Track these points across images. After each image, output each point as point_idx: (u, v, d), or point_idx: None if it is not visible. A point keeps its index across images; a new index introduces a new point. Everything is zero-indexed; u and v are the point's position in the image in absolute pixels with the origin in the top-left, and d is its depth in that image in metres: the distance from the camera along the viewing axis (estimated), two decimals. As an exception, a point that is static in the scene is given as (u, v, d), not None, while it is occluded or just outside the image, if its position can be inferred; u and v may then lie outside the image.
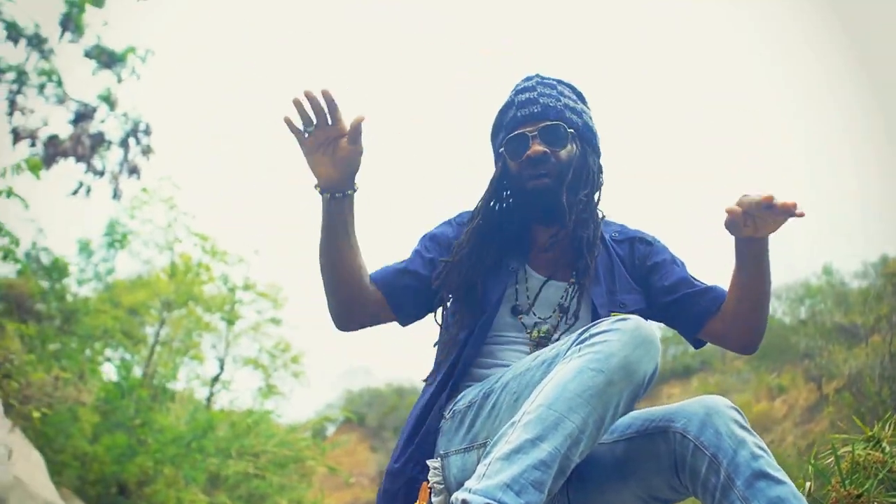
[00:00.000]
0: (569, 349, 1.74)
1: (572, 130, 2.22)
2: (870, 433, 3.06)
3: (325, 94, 1.93)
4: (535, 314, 2.21)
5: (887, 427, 3.02)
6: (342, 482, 34.30)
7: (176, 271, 17.95)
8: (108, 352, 17.18)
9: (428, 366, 2.28)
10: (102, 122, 8.97)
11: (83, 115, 8.40)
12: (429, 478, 1.69)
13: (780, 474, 1.69)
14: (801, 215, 1.81)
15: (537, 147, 2.16)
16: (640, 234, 2.42)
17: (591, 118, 2.33)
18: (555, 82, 2.31)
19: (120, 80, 9.30)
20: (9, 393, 6.18)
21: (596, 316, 2.18)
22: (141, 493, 12.46)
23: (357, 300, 2.15)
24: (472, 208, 2.35)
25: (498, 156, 2.30)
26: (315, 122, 1.98)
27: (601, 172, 2.31)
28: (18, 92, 8.42)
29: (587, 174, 2.25)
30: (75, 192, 7.82)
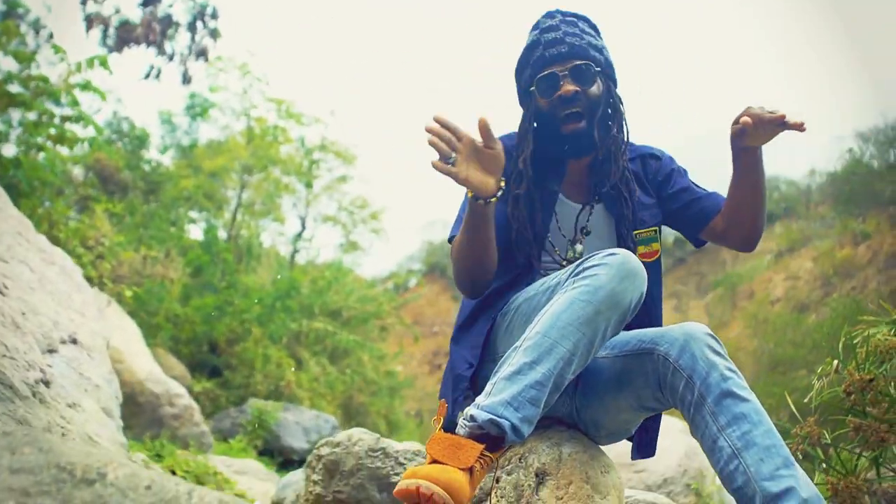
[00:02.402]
0: (565, 280, 1.98)
1: (599, 69, 2.36)
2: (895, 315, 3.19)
3: (440, 121, 2.04)
4: (564, 236, 2.42)
5: (916, 310, 3.14)
6: (425, 332, 35.39)
7: (253, 136, 18.30)
8: (193, 214, 17.84)
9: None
10: (170, 6, 9.11)
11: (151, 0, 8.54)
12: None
13: (745, 392, 1.95)
14: (804, 130, 2.02)
15: (569, 86, 2.30)
16: (649, 150, 2.59)
17: (609, 52, 2.46)
18: (575, 19, 2.41)
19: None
20: (102, 273, 6.62)
21: (620, 236, 2.42)
22: (231, 351, 13.16)
23: (491, 277, 2.32)
24: (509, 132, 2.52)
25: (527, 94, 2.43)
26: (452, 148, 2.06)
27: (622, 103, 2.45)
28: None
29: (614, 108, 2.41)
30: (147, 76, 8.03)
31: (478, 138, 2.07)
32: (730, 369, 1.96)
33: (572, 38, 2.35)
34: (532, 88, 2.38)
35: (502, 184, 2.11)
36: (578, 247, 2.40)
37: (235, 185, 18.41)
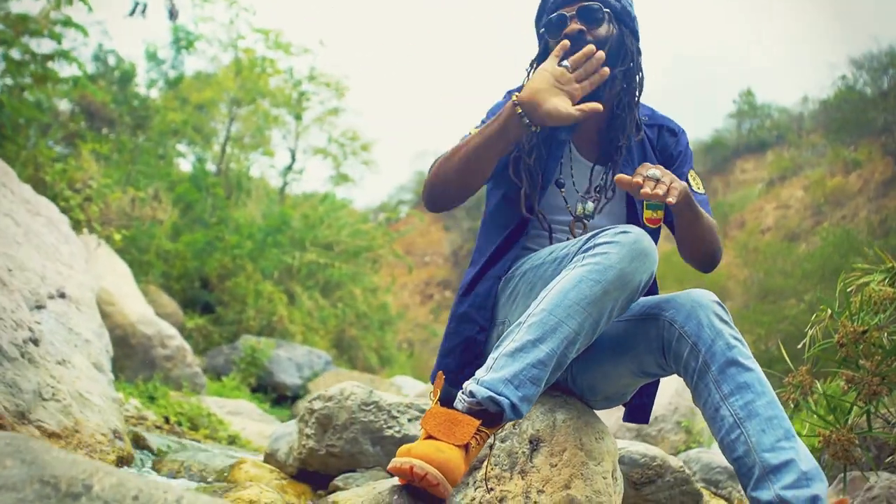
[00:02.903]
0: (575, 254, 1.94)
1: (608, 11, 2.30)
2: (890, 264, 3.16)
3: (590, 53, 2.05)
4: (577, 192, 2.37)
5: (910, 259, 3.12)
6: (417, 262, 35.50)
7: (241, 68, 18.05)
8: (182, 147, 17.70)
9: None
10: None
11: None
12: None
13: (750, 362, 1.91)
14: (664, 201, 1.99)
15: (574, 25, 2.25)
16: (668, 123, 2.53)
17: (630, 3, 2.39)
18: None
19: None
20: (90, 217, 6.56)
21: (629, 198, 2.37)
22: (222, 287, 13.18)
23: (464, 198, 2.27)
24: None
25: (540, 37, 2.41)
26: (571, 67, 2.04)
27: (640, 55, 2.39)
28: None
29: (624, 54, 2.33)
30: (132, 13, 7.82)
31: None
32: (735, 338, 1.94)
33: None
34: (542, 30, 2.37)
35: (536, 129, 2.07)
36: (590, 205, 2.34)
37: (224, 119, 18.24)
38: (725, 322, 1.95)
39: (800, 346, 3.32)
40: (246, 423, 6.43)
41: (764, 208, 36.95)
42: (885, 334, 2.76)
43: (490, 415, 1.75)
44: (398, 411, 2.92)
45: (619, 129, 2.35)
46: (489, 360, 1.83)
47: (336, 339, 15.59)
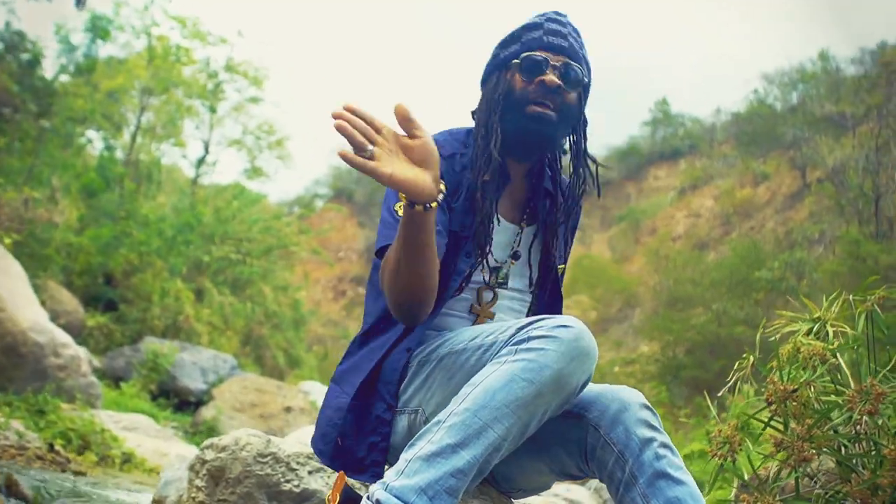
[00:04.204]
0: (504, 345, 1.73)
1: (586, 82, 2.16)
2: (816, 314, 3.07)
3: (351, 109, 1.65)
4: (493, 257, 2.13)
5: (834, 307, 3.02)
6: (331, 257, 35.19)
7: (154, 55, 17.52)
8: (91, 134, 17.11)
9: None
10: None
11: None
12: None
13: (681, 474, 1.77)
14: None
15: (554, 77, 2.06)
16: (575, 195, 2.27)
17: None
18: (578, 33, 2.22)
19: None
20: (-22, 217, 6.15)
21: (546, 265, 2.19)
22: (127, 284, 12.74)
23: (434, 298, 1.94)
24: (458, 125, 2.25)
25: (505, 64, 2.17)
26: (369, 139, 1.66)
27: (587, 126, 2.22)
28: None
29: (583, 125, 2.19)
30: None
31: (399, 130, 1.68)
32: (665, 445, 1.78)
33: (574, 41, 2.16)
34: (516, 61, 2.12)
35: (442, 186, 1.76)
36: (503, 270, 2.14)
37: (135, 107, 17.68)
38: (654, 428, 1.80)
39: (720, 394, 3.22)
40: (142, 440, 6.13)
41: (675, 216, 37.75)
42: (815, 394, 2.67)
43: None
44: (298, 462, 2.69)
45: (551, 194, 2.21)
46: (401, 462, 1.63)
47: (244, 338, 15.26)
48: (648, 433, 1.77)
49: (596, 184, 2.21)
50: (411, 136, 1.69)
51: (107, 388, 8.90)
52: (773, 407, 2.68)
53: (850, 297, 2.84)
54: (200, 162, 19.99)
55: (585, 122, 2.20)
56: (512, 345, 1.69)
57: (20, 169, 10.88)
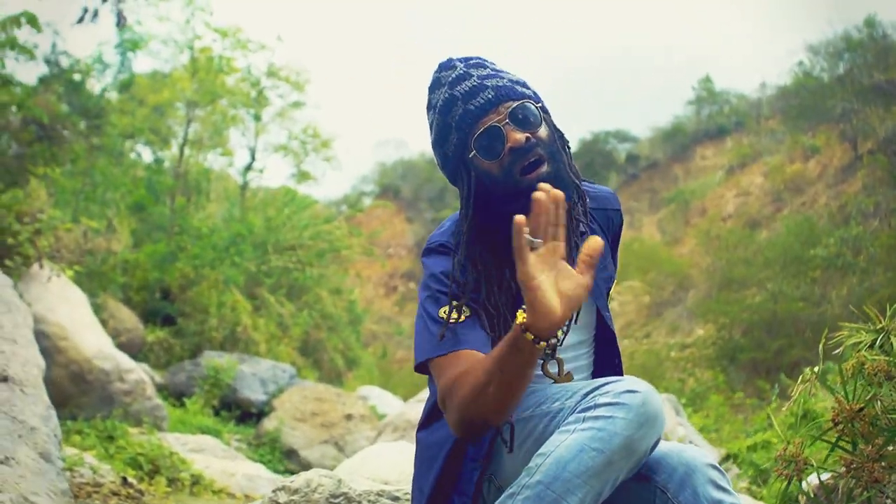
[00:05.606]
0: (572, 411, 1.70)
1: (541, 105, 1.96)
2: (880, 325, 3.01)
3: (555, 199, 1.54)
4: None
5: (896, 317, 2.97)
6: (380, 254, 35.32)
7: (197, 68, 17.72)
8: (140, 148, 17.39)
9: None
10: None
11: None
12: None
13: None
14: None
15: (517, 135, 1.86)
16: (613, 205, 2.20)
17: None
18: (480, 60, 2.00)
19: None
20: (41, 251, 6.27)
21: (592, 309, 2.07)
22: (184, 297, 12.92)
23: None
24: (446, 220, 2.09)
25: (461, 164, 1.96)
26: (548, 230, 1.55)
27: (566, 138, 2.04)
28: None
29: (564, 147, 1.99)
30: (81, 20, 7.55)
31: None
32: None
33: (491, 79, 1.93)
34: (472, 154, 1.91)
35: (560, 334, 1.70)
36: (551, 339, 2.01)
37: (181, 120, 17.90)
38: (723, 489, 1.77)
39: (785, 410, 3.19)
40: (209, 461, 6.24)
41: (724, 195, 37.23)
42: (882, 412, 2.63)
43: None
44: (369, 501, 2.73)
45: (579, 233, 1.99)
46: None
47: (301, 344, 15.41)
48: (718, 495, 1.76)
49: (581, 201, 2.02)
50: (579, 269, 1.57)
51: (171, 406, 9.06)
52: (840, 427, 2.66)
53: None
54: (247, 169, 20.20)
55: (564, 139, 2.02)
56: (579, 412, 1.67)
57: (73, 190, 11.07)
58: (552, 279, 1.55)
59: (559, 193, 1.54)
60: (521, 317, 1.58)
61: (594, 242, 1.55)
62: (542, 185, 1.54)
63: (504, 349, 1.63)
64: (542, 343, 1.57)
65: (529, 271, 1.53)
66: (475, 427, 1.76)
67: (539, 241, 1.54)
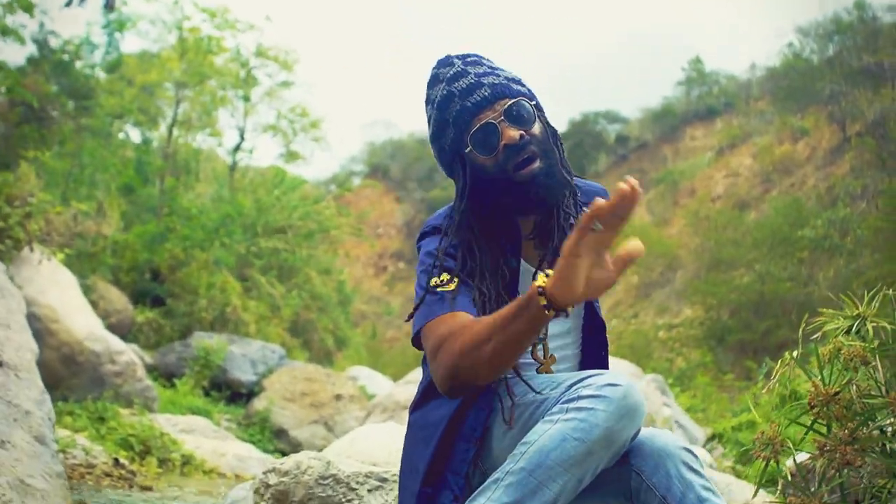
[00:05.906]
0: (556, 402, 1.77)
1: (535, 103, 2.02)
2: (857, 311, 3.08)
3: (632, 187, 1.56)
4: None
5: (874, 303, 3.03)
6: (369, 234, 35.35)
7: (186, 48, 17.67)
8: (129, 128, 17.35)
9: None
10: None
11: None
12: None
13: None
14: None
15: (512, 132, 1.92)
16: (599, 190, 2.23)
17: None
18: (477, 57, 2.07)
19: None
20: (31, 234, 6.30)
21: (590, 305, 2.12)
22: (174, 278, 12.95)
23: None
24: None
25: (457, 158, 2.03)
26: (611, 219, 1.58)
27: (559, 135, 2.10)
28: None
29: (557, 144, 2.05)
30: (69, 3, 7.53)
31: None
32: (706, 488, 1.84)
33: (488, 77, 1.99)
34: (468, 150, 1.98)
35: (570, 310, 1.66)
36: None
37: (170, 101, 17.86)
38: (695, 471, 1.84)
39: (765, 392, 3.26)
40: (200, 441, 6.30)
41: (713, 176, 37.30)
42: (857, 396, 2.70)
43: None
44: (357, 482, 2.80)
45: (563, 226, 2.06)
46: None
47: (291, 324, 15.46)
48: (690, 476, 1.82)
49: (573, 195, 2.08)
50: (615, 264, 1.62)
51: (161, 387, 9.12)
52: (816, 410, 2.74)
53: (891, 291, 2.87)
54: (237, 149, 20.19)
55: (557, 136, 2.08)
56: (562, 402, 1.73)
57: (62, 172, 11.07)
58: (589, 263, 1.60)
59: (639, 192, 1.57)
60: (541, 279, 1.63)
61: (638, 246, 1.60)
62: (630, 179, 1.56)
63: (513, 309, 1.69)
64: (551, 311, 1.62)
65: (579, 247, 1.58)
66: (462, 381, 1.82)
67: (599, 226, 1.58)
